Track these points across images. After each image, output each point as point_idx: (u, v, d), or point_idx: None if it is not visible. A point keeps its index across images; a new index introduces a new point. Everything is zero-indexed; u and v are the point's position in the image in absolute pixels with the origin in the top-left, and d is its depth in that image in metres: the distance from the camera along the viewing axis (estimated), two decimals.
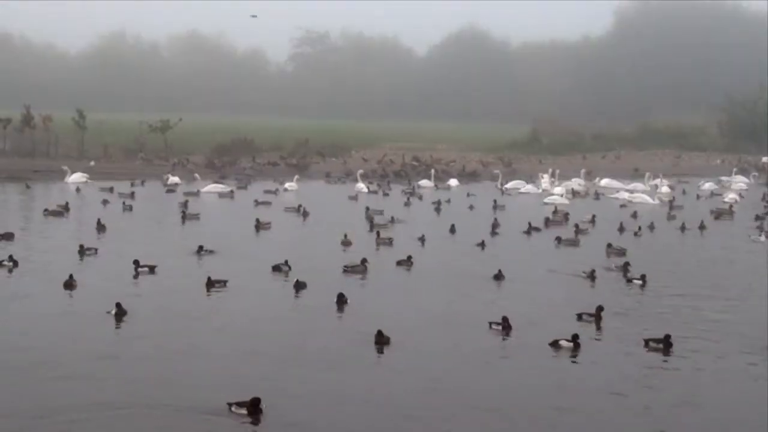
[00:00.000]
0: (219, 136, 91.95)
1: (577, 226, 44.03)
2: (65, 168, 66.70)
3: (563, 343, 22.44)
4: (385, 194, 63.19)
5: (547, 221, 46.34)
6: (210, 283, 28.46)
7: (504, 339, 23.29)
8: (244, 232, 41.64)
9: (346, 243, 38.58)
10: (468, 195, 60.92)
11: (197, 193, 58.22)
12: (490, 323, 24.14)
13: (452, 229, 42.93)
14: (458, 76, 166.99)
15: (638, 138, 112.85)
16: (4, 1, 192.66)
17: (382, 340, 22.32)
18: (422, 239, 38.91)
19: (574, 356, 21.95)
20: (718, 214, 53.02)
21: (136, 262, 30.94)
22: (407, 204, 55.94)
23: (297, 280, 28.59)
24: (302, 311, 26.18)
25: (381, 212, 48.85)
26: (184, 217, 46.14)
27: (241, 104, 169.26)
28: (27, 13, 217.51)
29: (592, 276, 31.45)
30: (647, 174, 72.14)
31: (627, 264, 32.97)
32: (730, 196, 63.21)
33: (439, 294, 28.97)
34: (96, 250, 34.35)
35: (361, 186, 64.57)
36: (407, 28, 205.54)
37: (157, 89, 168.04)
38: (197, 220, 45.66)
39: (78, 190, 60.28)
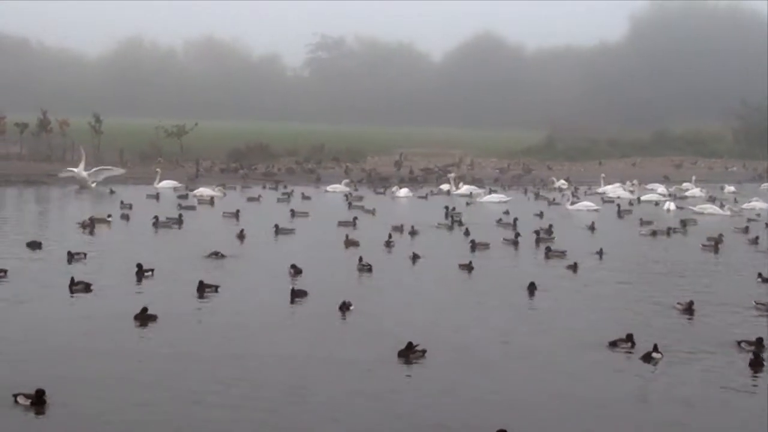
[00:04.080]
0: (234, 142, 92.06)
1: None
2: (82, 152, 66.87)
3: (655, 355, 22.05)
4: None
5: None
6: (201, 288, 28.20)
7: (629, 357, 22.51)
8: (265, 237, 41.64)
9: (348, 243, 38.91)
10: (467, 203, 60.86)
11: (186, 197, 58.56)
12: (613, 341, 23.26)
13: (466, 232, 43.43)
14: (473, 81, 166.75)
15: (654, 144, 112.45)
16: (22, 5, 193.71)
17: (408, 353, 21.48)
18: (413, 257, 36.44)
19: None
20: None
21: (139, 266, 30.88)
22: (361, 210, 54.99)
23: (293, 288, 28.17)
24: (308, 317, 25.92)
25: (306, 214, 49.93)
26: (156, 224, 44.14)
27: (256, 109, 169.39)
28: (44, 17, 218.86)
29: (689, 309, 27.69)
30: (633, 181, 71.97)
31: None
32: (759, 206, 61.63)
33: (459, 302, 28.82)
34: (84, 254, 34.01)
35: (404, 191, 65.13)
36: (422, 33, 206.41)
37: (173, 94, 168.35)
38: (168, 228, 44.11)
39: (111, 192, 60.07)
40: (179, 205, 53.22)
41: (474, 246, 38.94)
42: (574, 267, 34.40)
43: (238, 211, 48.96)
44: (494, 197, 63.54)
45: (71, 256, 33.56)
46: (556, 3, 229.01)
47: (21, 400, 17.96)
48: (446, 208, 53.64)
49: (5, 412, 17.74)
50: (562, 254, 37.64)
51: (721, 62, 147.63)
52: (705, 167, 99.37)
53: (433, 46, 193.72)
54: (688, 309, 27.48)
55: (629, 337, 23.14)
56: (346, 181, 70.29)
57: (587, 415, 18.54)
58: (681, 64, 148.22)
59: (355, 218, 47.36)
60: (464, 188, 68.81)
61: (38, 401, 17.93)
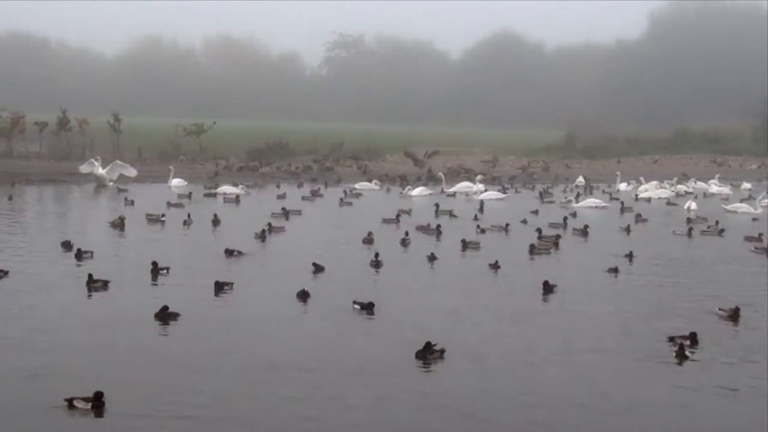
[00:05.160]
0: (253, 140, 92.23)
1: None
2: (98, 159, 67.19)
3: (689, 353, 21.54)
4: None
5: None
6: (218, 286, 28.04)
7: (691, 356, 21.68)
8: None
9: (368, 241, 38.91)
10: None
11: (215, 196, 58.73)
12: (672, 338, 22.63)
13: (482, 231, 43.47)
14: (492, 79, 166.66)
15: (674, 142, 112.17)
16: (42, 5, 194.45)
17: (426, 354, 20.86)
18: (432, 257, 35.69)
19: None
20: None
21: (154, 264, 30.66)
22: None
23: (303, 289, 27.68)
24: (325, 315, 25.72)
25: (299, 212, 49.56)
26: (187, 222, 44.13)
27: (275, 108, 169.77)
28: (63, 17, 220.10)
29: (735, 316, 25.66)
30: (673, 180, 71.59)
31: None
32: None
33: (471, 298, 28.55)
34: (91, 253, 33.65)
35: (419, 190, 65.02)
36: (441, 31, 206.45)
37: (191, 93, 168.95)
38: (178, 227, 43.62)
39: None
40: (168, 203, 52.75)
41: (465, 245, 38.26)
42: (615, 270, 33.30)
43: (288, 211, 48.12)
44: (491, 194, 63.16)
45: (80, 254, 33.38)
46: (575, 1, 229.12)
47: (80, 404, 17.48)
48: (436, 206, 52.74)
49: (63, 417, 17.31)
50: (547, 251, 37.59)
51: (740, 61, 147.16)
52: (724, 165, 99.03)
53: (452, 44, 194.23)
54: (734, 316, 25.48)
55: (692, 336, 22.17)
56: (376, 180, 70.44)
57: (611, 419, 18.21)
58: (700, 62, 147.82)
59: (398, 216, 47.17)
60: (459, 185, 68.45)
61: (97, 404, 17.49)
